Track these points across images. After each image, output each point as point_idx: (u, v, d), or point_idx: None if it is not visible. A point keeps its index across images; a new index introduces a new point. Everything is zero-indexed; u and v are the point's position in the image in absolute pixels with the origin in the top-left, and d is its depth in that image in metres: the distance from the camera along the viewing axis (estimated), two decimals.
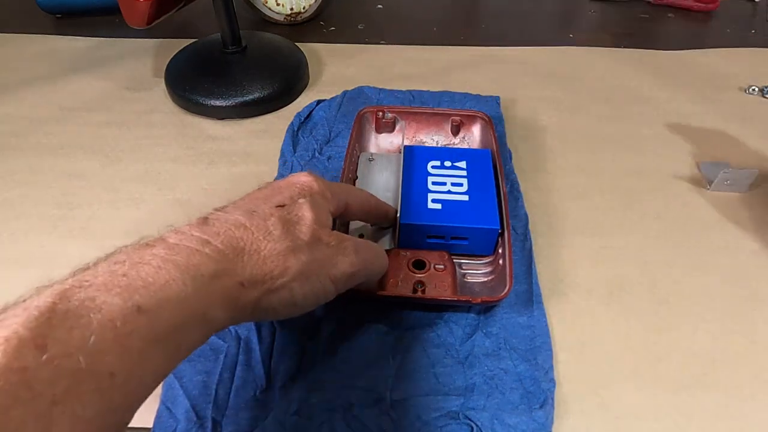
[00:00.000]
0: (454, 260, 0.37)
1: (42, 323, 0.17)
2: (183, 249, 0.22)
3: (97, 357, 0.18)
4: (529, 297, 0.36)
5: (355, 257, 0.29)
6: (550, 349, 0.33)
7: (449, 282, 0.34)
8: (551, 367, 0.32)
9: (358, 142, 0.44)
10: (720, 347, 0.34)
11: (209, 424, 0.29)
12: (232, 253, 0.23)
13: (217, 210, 0.26)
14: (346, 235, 0.30)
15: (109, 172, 0.46)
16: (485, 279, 0.37)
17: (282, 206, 0.27)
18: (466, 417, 0.29)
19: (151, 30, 0.52)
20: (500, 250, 0.36)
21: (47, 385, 0.16)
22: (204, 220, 0.24)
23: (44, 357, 0.17)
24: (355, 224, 0.38)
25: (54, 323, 0.18)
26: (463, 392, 0.31)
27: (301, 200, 0.28)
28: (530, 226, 0.40)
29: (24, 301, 0.18)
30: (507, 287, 0.33)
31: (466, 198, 0.37)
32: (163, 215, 0.42)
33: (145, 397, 0.20)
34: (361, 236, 0.38)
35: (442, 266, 0.35)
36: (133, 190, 0.44)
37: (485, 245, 0.37)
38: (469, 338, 0.33)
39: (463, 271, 0.37)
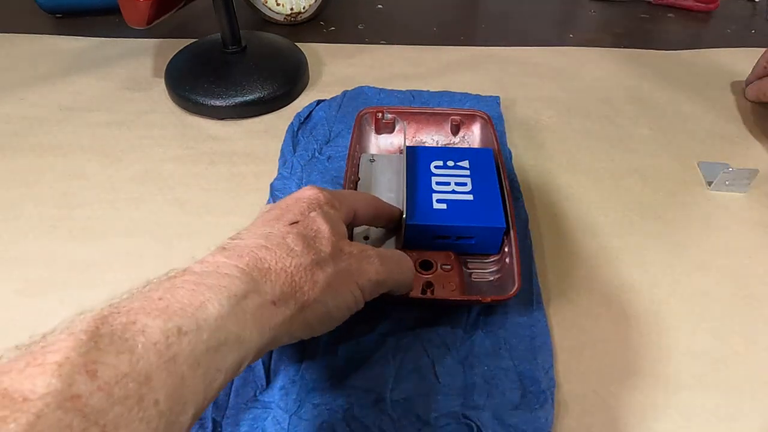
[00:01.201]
0: (460, 259, 0.37)
1: (91, 348, 0.17)
2: (211, 273, 0.22)
3: (144, 383, 0.17)
4: (529, 297, 0.36)
5: (380, 264, 0.28)
6: (550, 349, 0.33)
7: (457, 282, 0.35)
8: (551, 367, 0.32)
9: (359, 143, 0.44)
10: (720, 347, 0.34)
11: (209, 424, 0.29)
12: (259, 274, 0.23)
13: (231, 239, 0.26)
14: (366, 245, 0.30)
15: (109, 172, 0.46)
16: (492, 278, 0.37)
17: (296, 223, 0.27)
18: (466, 417, 0.29)
19: (151, 30, 0.52)
20: (506, 249, 0.36)
21: (99, 413, 0.16)
22: (223, 249, 0.24)
23: (96, 384, 0.16)
24: (358, 227, 0.38)
25: (102, 347, 0.17)
26: (463, 392, 0.31)
27: (313, 214, 0.28)
28: (530, 226, 0.40)
29: (66, 327, 0.18)
30: (516, 285, 0.33)
31: (470, 197, 0.37)
32: (163, 215, 0.42)
33: (187, 427, 0.19)
34: (366, 239, 0.38)
35: (448, 266, 0.35)
36: (133, 190, 0.44)
37: (491, 244, 0.37)
38: (469, 338, 0.33)
39: (468, 270, 0.37)
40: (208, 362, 0.20)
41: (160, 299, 0.20)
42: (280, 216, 0.27)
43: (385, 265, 0.29)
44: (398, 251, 0.33)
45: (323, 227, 0.27)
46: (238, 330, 0.21)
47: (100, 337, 0.17)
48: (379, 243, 0.38)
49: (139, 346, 0.18)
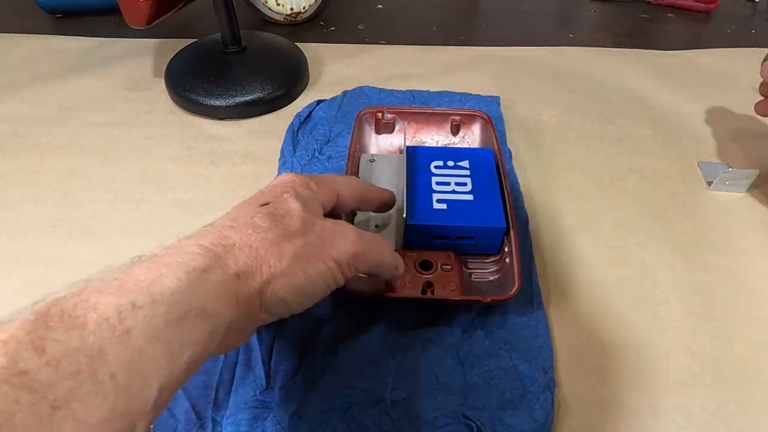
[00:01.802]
0: (460, 259, 0.37)
1: (39, 326, 0.17)
2: (172, 254, 0.22)
3: (97, 357, 0.17)
4: (529, 297, 0.36)
5: (356, 237, 0.28)
6: (550, 349, 0.33)
7: (457, 282, 0.34)
8: (551, 367, 0.32)
9: (359, 143, 0.44)
10: (720, 347, 0.34)
11: (209, 424, 0.29)
12: (222, 250, 0.23)
13: (204, 227, 0.26)
14: (343, 221, 0.29)
15: (109, 172, 0.46)
16: (492, 278, 0.37)
17: (266, 204, 0.27)
18: (466, 417, 0.29)
19: (151, 30, 0.52)
20: (506, 249, 0.36)
21: (48, 388, 0.16)
22: (192, 234, 0.25)
23: (44, 359, 0.16)
24: (358, 222, 0.38)
25: (51, 325, 0.17)
26: (463, 392, 0.31)
27: (285, 195, 0.28)
28: (530, 226, 0.40)
29: (19, 312, 0.18)
30: (516, 285, 0.33)
31: (470, 197, 0.37)
32: (163, 215, 0.42)
33: (153, 403, 0.19)
34: None
35: (449, 266, 0.35)
36: (133, 190, 0.44)
37: (491, 244, 0.37)
38: (469, 338, 0.33)
39: (469, 270, 0.37)
40: (169, 335, 0.20)
41: (115, 279, 0.20)
42: (252, 201, 0.27)
43: (362, 239, 0.28)
44: (379, 236, 0.32)
45: (294, 206, 0.27)
46: (201, 303, 0.21)
47: (50, 316, 0.18)
48: None
49: (91, 322, 0.18)
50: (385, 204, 0.35)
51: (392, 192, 0.36)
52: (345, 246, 0.27)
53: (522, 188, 0.43)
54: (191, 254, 0.22)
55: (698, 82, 0.57)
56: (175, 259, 0.22)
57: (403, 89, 0.53)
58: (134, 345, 0.18)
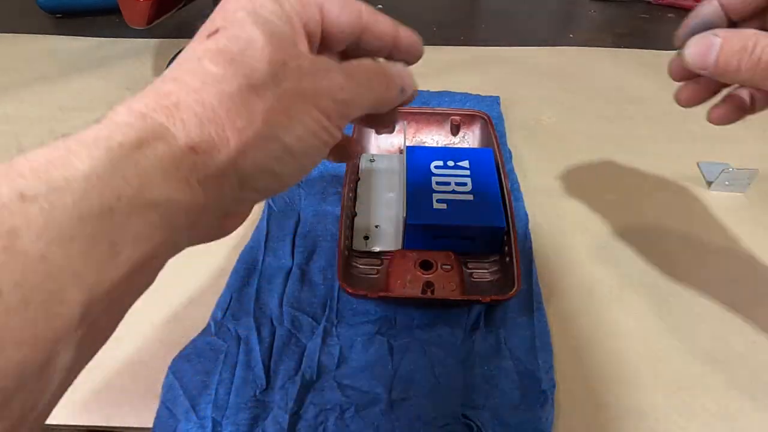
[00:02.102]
0: (460, 259, 0.37)
1: None
2: (93, 126, 0.17)
3: None
4: (529, 297, 0.36)
5: (343, 78, 0.21)
6: (550, 349, 0.33)
7: (457, 282, 0.35)
8: (551, 367, 0.32)
9: (359, 143, 0.44)
10: (720, 347, 0.34)
11: (209, 424, 0.29)
12: (163, 114, 0.17)
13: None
14: (323, 56, 0.21)
15: None
16: (492, 278, 0.37)
17: (215, 32, 0.19)
18: (466, 417, 0.29)
19: (151, 30, 0.52)
20: (506, 249, 0.36)
21: None
22: (130, 97, 0.19)
23: None
24: (359, 224, 0.38)
25: None
26: (463, 392, 0.31)
27: (240, 14, 0.19)
28: (530, 226, 0.40)
29: None
30: (516, 285, 0.33)
31: (470, 197, 0.37)
32: None
33: (79, 319, 0.15)
34: (366, 238, 0.38)
35: (449, 266, 0.35)
36: None
37: (491, 244, 0.37)
38: (469, 338, 0.33)
39: (469, 270, 0.37)
40: (89, 233, 0.15)
41: (8, 163, 0.15)
42: (200, 32, 0.20)
43: (352, 80, 0.21)
44: (368, 62, 0.23)
45: (254, 34, 0.19)
46: (135, 190, 0.16)
47: None
48: (378, 242, 0.38)
49: None
50: (402, 46, 0.25)
51: (417, 36, 0.25)
52: (331, 92, 0.20)
53: (522, 188, 0.43)
54: (116, 124, 0.17)
55: None
56: (94, 134, 0.16)
57: None
58: (28, 250, 0.14)
